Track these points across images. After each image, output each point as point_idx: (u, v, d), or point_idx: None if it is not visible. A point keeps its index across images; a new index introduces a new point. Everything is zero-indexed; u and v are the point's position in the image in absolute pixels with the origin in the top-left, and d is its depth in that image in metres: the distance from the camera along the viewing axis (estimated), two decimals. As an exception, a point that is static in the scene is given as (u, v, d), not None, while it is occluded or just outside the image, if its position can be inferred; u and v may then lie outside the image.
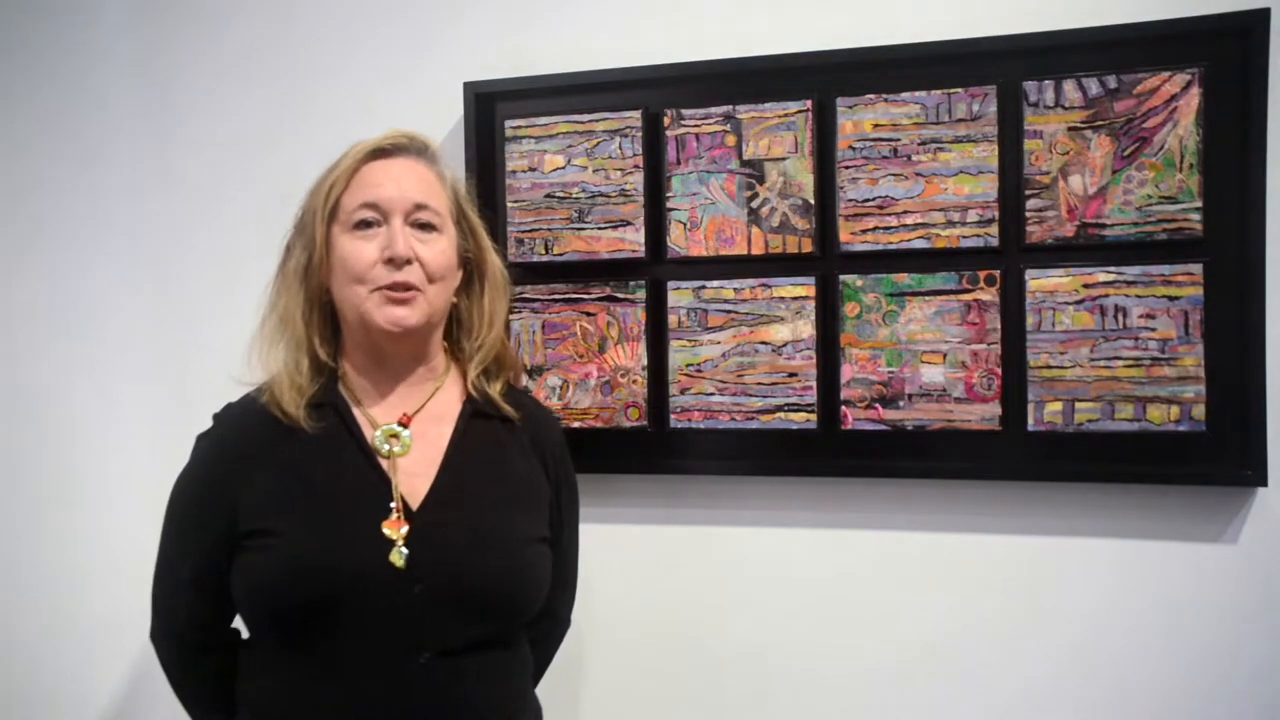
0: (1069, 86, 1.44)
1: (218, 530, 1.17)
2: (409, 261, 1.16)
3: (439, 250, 1.19)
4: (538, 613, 1.23)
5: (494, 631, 1.17)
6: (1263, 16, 1.36)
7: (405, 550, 1.12)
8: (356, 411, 1.21)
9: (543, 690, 1.32)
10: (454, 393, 1.26)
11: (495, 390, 1.27)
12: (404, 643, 1.12)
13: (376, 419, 1.21)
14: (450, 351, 1.29)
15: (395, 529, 1.13)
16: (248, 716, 1.19)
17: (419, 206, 1.18)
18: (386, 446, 1.19)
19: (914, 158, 1.49)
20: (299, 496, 1.16)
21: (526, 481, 1.25)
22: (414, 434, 1.21)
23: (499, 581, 1.16)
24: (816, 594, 1.58)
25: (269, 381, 1.21)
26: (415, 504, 1.16)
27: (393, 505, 1.15)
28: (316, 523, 1.14)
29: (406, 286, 1.16)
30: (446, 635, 1.12)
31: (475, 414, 1.25)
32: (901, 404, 1.51)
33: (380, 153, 1.21)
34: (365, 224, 1.17)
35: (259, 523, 1.15)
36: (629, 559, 1.64)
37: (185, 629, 1.23)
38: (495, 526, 1.19)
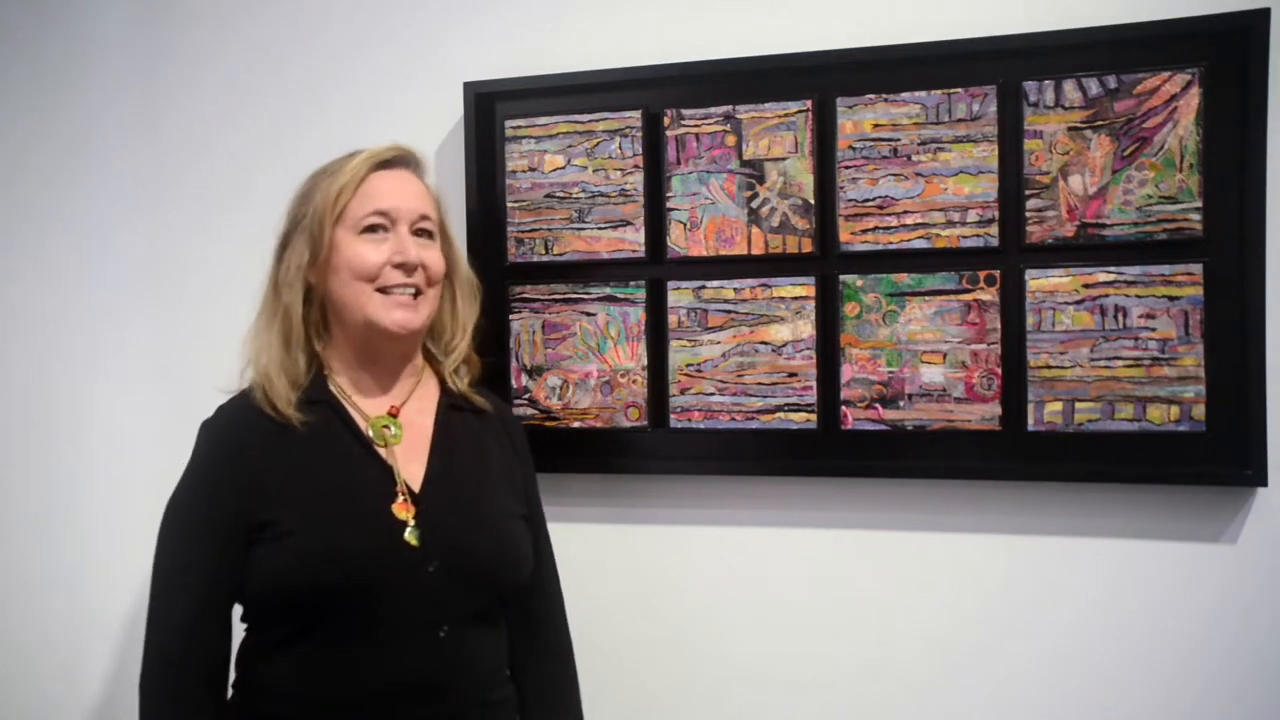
0: (1069, 86, 1.44)
1: (230, 524, 1.18)
2: (417, 268, 1.25)
3: (437, 257, 1.29)
4: (530, 590, 1.33)
5: (489, 604, 1.27)
6: (1263, 16, 1.36)
7: (418, 530, 1.20)
8: (348, 405, 1.27)
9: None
10: (431, 387, 1.35)
11: (465, 385, 1.37)
12: (423, 617, 1.19)
13: (366, 411, 1.28)
14: (424, 351, 1.37)
15: (404, 511, 1.21)
16: (266, 702, 1.20)
17: (423, 217, 1.28)
18: (383, 436, 1.26)
19: (914, 158, 1.49)
20: (306, 487, 1.20)
21: (503, 465, 1.35)
22: (402, 424, 1.28)
23: (497, 555, 1.25)
24: (817, 594, 1.58)
25: (256, 382, 1.25)
26: (416, 487, 1.24)
27: (398, 489, 1.22)
28: (328, 511, 1.19)
29: (416, 291, 1.25)
30: (457, 608, 1.20)
31: (452, 406, 1.34)
32: (901, 404, 1.51)
33: (385, 164, 1.29)
34: (373, 229, 1.25)
35: (269, 514, 1.18)
36: (629, 559, 1.64)
37: (191, 655, 1.18)
38: (487, 505, 1.28)
